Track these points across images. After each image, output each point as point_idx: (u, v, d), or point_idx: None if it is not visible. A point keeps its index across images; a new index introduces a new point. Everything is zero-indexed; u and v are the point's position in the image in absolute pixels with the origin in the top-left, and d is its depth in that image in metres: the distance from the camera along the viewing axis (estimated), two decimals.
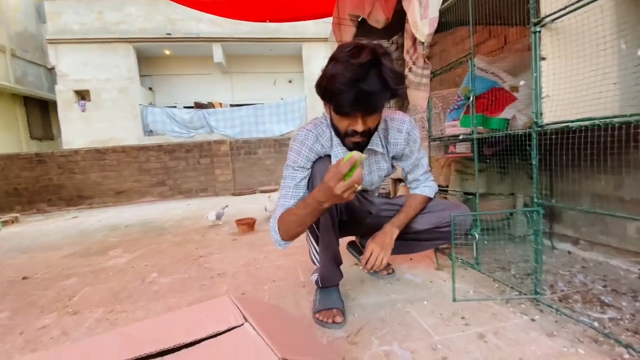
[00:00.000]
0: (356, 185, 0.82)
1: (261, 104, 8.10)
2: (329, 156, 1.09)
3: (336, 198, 0.85)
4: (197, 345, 0.63)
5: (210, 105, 8.46)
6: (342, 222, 1.24)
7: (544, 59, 0.89)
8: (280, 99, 8.89)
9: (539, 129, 0.94)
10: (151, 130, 7.76)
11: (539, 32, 0.90)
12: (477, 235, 1.18)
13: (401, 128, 1.11)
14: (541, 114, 0.93)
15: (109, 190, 4.88)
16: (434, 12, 1.23)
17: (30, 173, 4.71)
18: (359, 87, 0.83)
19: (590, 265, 1.38)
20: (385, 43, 3.28)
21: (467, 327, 0.98)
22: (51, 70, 8.11)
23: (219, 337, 0.65)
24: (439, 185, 1.72)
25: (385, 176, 1.21)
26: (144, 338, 0.67)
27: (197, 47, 8.20)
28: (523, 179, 1.68)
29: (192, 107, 8.32)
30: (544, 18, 0.87)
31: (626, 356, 0.81)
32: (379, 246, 1.10)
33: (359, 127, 0.92)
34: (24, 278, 1.77)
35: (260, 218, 2.78)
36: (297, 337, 0.74)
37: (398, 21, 2.12)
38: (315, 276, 1.18)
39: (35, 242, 2.73)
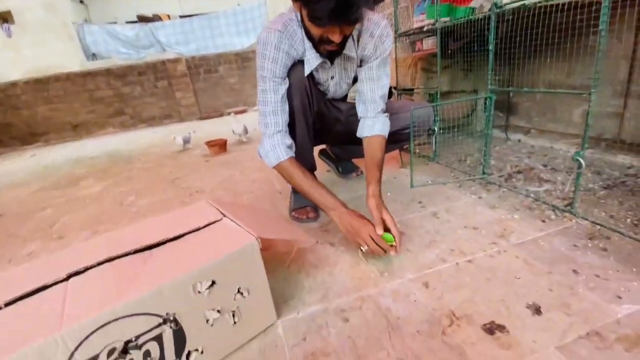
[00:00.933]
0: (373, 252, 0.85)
1: (215, 13, 7.13)
2: (301, 62, 1.00)
3: (349, 235, 0.90)
4: (181, 239, 0.69)
5: (156, 18, 7.35)
6: (315, 130, 1.26)
7: None
8: (236, 5, 7.83)
9: (497, 10, 0.93)
10: (94, 54, 6.82)
11: None
12: (436, 129, 1.25)
13: (374, 33, 1.00)
14: None
15: (63, 124, 4.51)
16: None
17: None
18: None
19: (537, 150, 1.53)
20: None
21: (423, 209, 1.12)
22: None
23: (200, 230, 0.72)
24: (403, 89, 1.73)
25: (352, 81, 1.18)
26: (129, 239, 0.72)
27: None
28: (485, 74, 1.70)
29: (135, 22, 7.23)
30: None
31: (552, 217, 0.97)
32: (388, 213, 0.91)
33: (337, 37, 0.83)
34: None
35: (231, 139, 2.74)
36: (272, 223, 0.83)
37: None
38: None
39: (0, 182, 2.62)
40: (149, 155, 2.76)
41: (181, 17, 7.60)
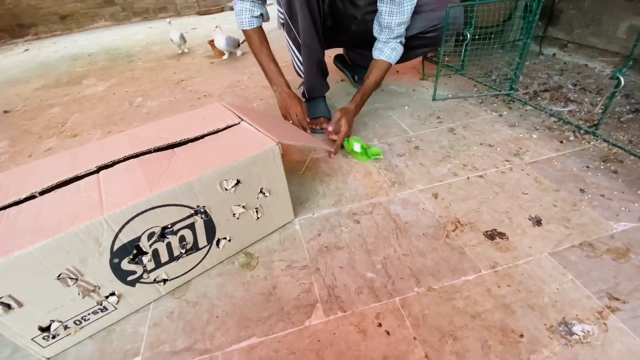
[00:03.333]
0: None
1: None
2: None
3: (281, 110, 1.06)
4: (201, 140, 0.70)
5: None
6: (326, 29, 1.14)
7: None
8: None
9: None
10: None
11: None
12: (468, 35, 1.13)
13: None
14: None
15: (51, 15, 4.10)
16: None
17: None
18: None
19: (570, 67, 1.42)
20: None
21: (440, 124, 1.10)
22: None
23: (219, 132, 0.72)
24: None
25: None
26: (150, 136, 0.73)
27: None
28: None
29: None
30: None
31: (571, 138, 0.96)
32: (345, 119, 1.00)
33: None
34: (5, 112, 1.73)
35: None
36: (289, 130, 0.82)
37: None
38: (301, 88, 1.20)
39: None
40: (150, 54, 2.59)
41: None
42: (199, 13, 4.32)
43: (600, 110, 0.94)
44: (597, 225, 0.67)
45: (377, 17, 1.01)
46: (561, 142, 0.94)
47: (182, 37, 2.34)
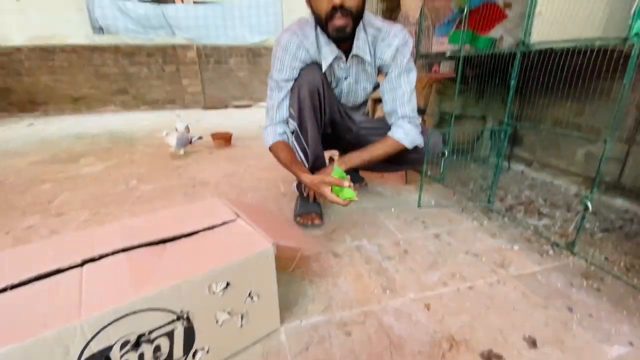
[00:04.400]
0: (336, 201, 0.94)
1: (230, 3, 7.11)
2: (317, 64, 1.05)
3: (314, 190, 1.00)
4: (196, 235, 0.70)
5: (170, 0, 7.29)
6: (325, 135, 1.28)
7: None
8: None
9: (524, 48, 0.96)
10: (101, 28, 6.73)
11: None
12: (446, 152, 1.28)
13: (392, 43, 1.04)
14: (529, 33, 0.94)
15: (64, 96, 4.43)
16: None
17: None
18: None
19: (538, 183, 1.57)
20: None
21: (426, 229, 1.15)
22: None
23: (214, 229, 0.73)
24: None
25: (371, 90, 1.21)
26: (143, 229, 0.73)
27: None
28: (496, 103, 1.75)
29: (148, 1, 7.15)
30: None
31: (550, 252, 1.00)
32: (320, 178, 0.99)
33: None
34: None
35: (240, 132, 2.73)
36: (284, 228, 0.84)
37: None
38: (295, 183, 1.27)
39: None
40: (153, 139, 2.74)
41: (195, 2, 7.58)
42: (205, 108, 4.76)
43: (575, 229, 1.01)
44: (592, 349, 0.66)
45: (384, 109, 1.14)
46: (542, 255, 0.99)
47: (187, 128, 2.53)
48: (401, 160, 1.21)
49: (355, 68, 1.11)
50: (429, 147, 1.15)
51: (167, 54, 4.58)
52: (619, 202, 1.30)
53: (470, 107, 1.67)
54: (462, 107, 1.67)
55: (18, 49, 4.26)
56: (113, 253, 0.62)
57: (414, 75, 1.09)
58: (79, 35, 6.44)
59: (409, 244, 1.05)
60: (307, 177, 0.99)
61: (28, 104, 4.37)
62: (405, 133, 1.08)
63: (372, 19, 1.03)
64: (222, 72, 4.87)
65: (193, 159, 2.10)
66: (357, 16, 0.94)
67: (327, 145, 1.41)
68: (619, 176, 1.31)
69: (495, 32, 1.57)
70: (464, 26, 1.22)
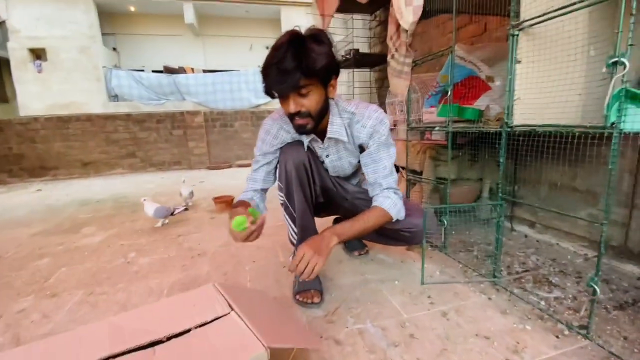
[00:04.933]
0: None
1: (236, 71, 7.73)
2: (299, 141, 1.15)
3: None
4: (185, 335, 0.67)
5: (181, 70, 7.93)
6: (320, 204, 1.30)
7: (519, 62, 0.93)
8: (257, 66, 8.51)
9: (508, 129, 1.01)
10: (116, 95, 7.24)
11: (517, 35, 0.93)
12: (445, 222, 1.27)
13: (366, 124, 1.10)
14: (512, 115, 0.99)
15: (75, 161, 4.62)
16: (418, 0, 1.23)
17: None
18: (275, 67, 0.90)
19: (543, 247, 1.53)
20: (367, 17, 3.20)
21: (432, 306, 1.09)
22: (1, 25, 7.19)
23: (206, 326, 0.70)
24: (412, 171, 1.80)
25: (357, 163, 1.25)
26: (133, 328, 0.70)
27: (166, 5, 7.55)
28: (491, 165, 1.78)
29: (161, 72, 7.79)
30: (522, 22, 0.90)
31: (566, 332, 0.94)
32: (312, 250, 0.93)
33: (290, 107, 0.97)
34: None
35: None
36: (280, 322, 0.80)
37: None
38: (292, 256, 1.25)
39: (1, 217, 2.60)
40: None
41: (204, 71, 8.24)
42: (209, 168, 4.91)
43: (587, 312, 0.96)
44: None
45: (367, 181, 1.16)
46: (557, 336, 0.92)
47: (191, 194, 2.57)
48: (395, 237, 1.23)
49: (335, 147, 1.18)
50: (426, 228, 1.15)
51: (176, 119, 4.86)
52: (629, 268, 1.26)
53: (465, 170, 1.70)
54: (457, 171, 1.71)
55: (35, 119, 4.55)
56: None
57: (393, 150, 1.13)
58: (95, 102, 6.89)
59: (415, 325, 0.99)
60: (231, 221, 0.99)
61: (38, 169, 4.54)
62: (393, 204, 1.09)
63: (345, 105, 1.11)
64: (227, 134, 5.12)
65: (194, 226, 2.10)
66: (317, 114, 1.02)
67: (325, 213, 1.43)
68: (625, 240, 1.28)
69: (482, 102, 1.66)
70: (450, 103, 1.30)
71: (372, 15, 3.09)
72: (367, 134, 1.11)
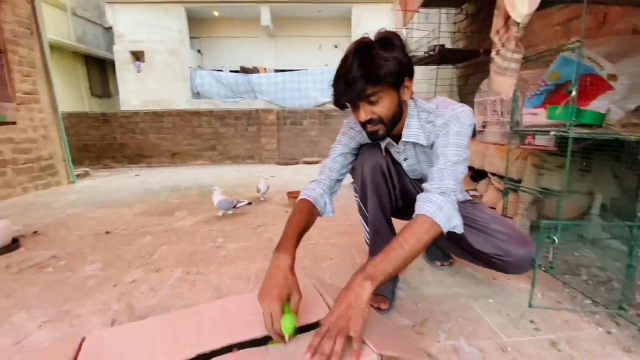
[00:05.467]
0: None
1: (305, 70, 7.97)
2: (378, 144, 1.11)
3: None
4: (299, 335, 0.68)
5: (255, 70, 8.46)
6: (401, 208, 1.24)
7: None
8: (324, 65, 8.66)
9: None
10: (198, 93, 8.01)
11: None
12: (556, 240, 1.13)
13: (436, 122, 0.98)
14: None
15: (165, 152, 5.23)
16: None
17: (97, 131, 5.15)
18: (342, 78, 0.89)
19: None
20: (452, 11, 3.01)
21: (538, 332, 0.98)
22: (108, 30, 8.46)
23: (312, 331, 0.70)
24: (510, 179, 1.61)
25: None
26: (247, 318, 0.73)
27: (246, 9, 8.08)
28: (605, 177, 1.54)
29: (237, 72, 8.39)
30: None
31: None
32: (338, 320, 0.64)
33: (361, 116, 0.93)
34: (107, 232, 1.99)
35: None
36: (382, 329, 0.78)
37: None
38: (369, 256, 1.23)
39: (109, 197, 3.04)
40: (234, 194, 2.96)
41: (276, 70, 8.66)
42: (278, 163, 5.15)
43: None
44: None
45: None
46: None
47: (268, 188, 2.72)
48: (483, 259, 1.08)
49: (413, 151, 1.10)
50: (535, 255, 1.02)
51: (252, 117, 5.19)
52: None
53: (574, 181, 1.49)
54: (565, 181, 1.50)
55: (136, 113, 5.23)
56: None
57: (463, 152, 0.91)
58: (181, 99, 7.73)
59: (519, 352, 0.89)
60: (272, 266, 0.79)
61: (137, 157, 5.22)
62: (438, 207, 0.82)
63: (425, 104, 1.00)
64: (296, 132, 5.31)
65: (271, 218, 2.21)
66: (390, 119, 0.96)
67: (408, 217, 1.37)
68: None
69: (599, 103, 1.44)
70: (574, 104, 1.14)
71: (459, 8, 2.89)
72: (436, 134, 0.98)
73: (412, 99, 1.01)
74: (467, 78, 2.99)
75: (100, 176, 4.42)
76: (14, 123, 2.70)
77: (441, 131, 0.95)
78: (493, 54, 1.30)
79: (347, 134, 1.13)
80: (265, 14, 8.02)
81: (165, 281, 1.35)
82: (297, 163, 5.10)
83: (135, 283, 1.35)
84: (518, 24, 1.16)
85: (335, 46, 9.51)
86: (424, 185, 0.91)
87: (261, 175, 2.83)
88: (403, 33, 2.72)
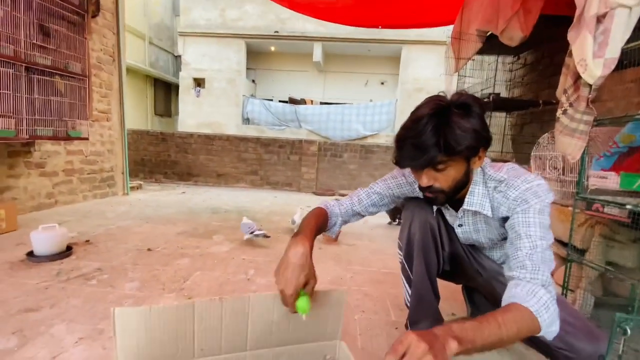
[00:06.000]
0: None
1: (350, 104, 8.18)
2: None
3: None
4: None
5: (302, 102, 8.86)
6: (448, 272, 1.16)
7: None
8: (369, 100, 8.81)
9: None
10: (248, 119, 8.52)
11: None
12: (629, 331, 0.96)
13: (509, 194, 0.86)
14: None
15: (212, 172, 5.54)
16: (613, 52, 1.01)
17: (154, 148, 5.61)
18: (409, 141, 0.81)
19: None
20: (510, 59, 2.94)
21: None
22: (177, 58, 9.44)
23: None
24: (574, 247, 1.40)
25: (500, 240, 1.03)
26: None
27: (300, 45, 8.61)
28: None
29: (286, 102, 8.84)
30: None
31: None
32: (424, 343, 0.55)
33: (422, 181, 0.87)
34: (149, 250, 2.08)
35: (345, 229, 2.77)
36: None
37: (530, 38, 1.90)
38: (407, 320, 1.17)
39: (156, 212, 3.22)
40: (270, 223, 3.01)
41: (322, 103, 9.00)
42: (315, 193, 5.19)
43: None
44: None
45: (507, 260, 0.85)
46: None
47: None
48: (546, 352, 0.89)
49: (472, 219, 1.00)
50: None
51: (295, 146, 5.37)
52: None
53: None
54: (638, 257, 1.31)
55: (191, 135, 5.64)
56: None
57: (548, 235, 0.80)
58: (232, 124, 8.25)
59: None
60: (291, 250, 0.82)
61: (186, 174, 5.57)
62: (544, 306, 0.69)
63: (493, 172, 0.91)
64: (335, 163, 5.37)
65: None
66: (452, 190, 0.89)
67: (452, 280, 1.27)
68: None
69: None
70: None
71: (516, 56, 2.81)
72: (507, 207, 0.87)
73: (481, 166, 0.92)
74: (522, 127, 2.84)
75: (151, 190, 4.73)
76: (87, 139, 3.02)
77: (518, 206, 0.83)
78: (559, 113, 1.21)
79: (397, 179, 1.06)
80: (317, 51, 8.47)
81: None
82: (333, 194, 5.10)
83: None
84: (590, 85, 1.08)
85: (382, 83, 9.69)
86: (515, 273, 0.77)
87: (298, 206, 2.84)
88: (454, 80, 2.69)
